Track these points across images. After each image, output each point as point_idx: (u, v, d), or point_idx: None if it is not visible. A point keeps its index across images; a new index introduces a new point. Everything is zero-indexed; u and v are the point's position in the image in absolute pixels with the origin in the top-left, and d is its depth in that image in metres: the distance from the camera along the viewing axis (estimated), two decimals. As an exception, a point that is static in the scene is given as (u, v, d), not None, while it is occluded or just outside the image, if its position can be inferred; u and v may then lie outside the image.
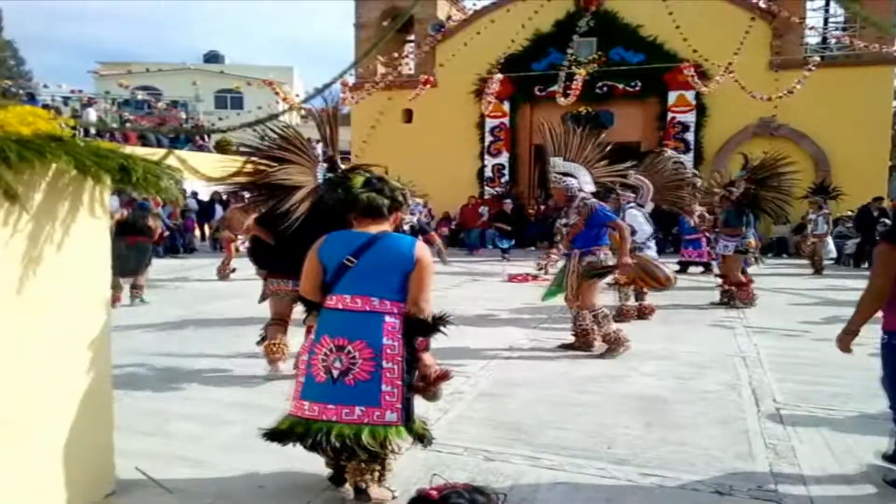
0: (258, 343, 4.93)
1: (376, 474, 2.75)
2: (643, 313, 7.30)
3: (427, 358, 2.78)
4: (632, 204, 7.19)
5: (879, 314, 3.12)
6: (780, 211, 8.42)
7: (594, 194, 5.86)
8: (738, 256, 8.24)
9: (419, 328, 2.70)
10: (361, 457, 2.61)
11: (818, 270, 11.78)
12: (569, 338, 5.87)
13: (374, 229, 2.77)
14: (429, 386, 2.80)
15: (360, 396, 2.60)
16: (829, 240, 12.53)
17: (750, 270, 8.65)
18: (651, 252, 7.06)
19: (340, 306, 2.69)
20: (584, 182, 5.81)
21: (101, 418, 2.80)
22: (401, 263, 2.69)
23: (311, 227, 4.67)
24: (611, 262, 5.74)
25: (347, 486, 2.83)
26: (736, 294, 8.15)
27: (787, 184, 8.29)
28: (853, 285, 9.22)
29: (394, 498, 2.79)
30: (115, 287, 8.13)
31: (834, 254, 12.78)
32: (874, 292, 3.08)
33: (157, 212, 8.43)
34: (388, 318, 2.66)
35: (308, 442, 2.63)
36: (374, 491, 2.76)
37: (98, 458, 2.80)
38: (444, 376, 2.82)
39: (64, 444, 2.60)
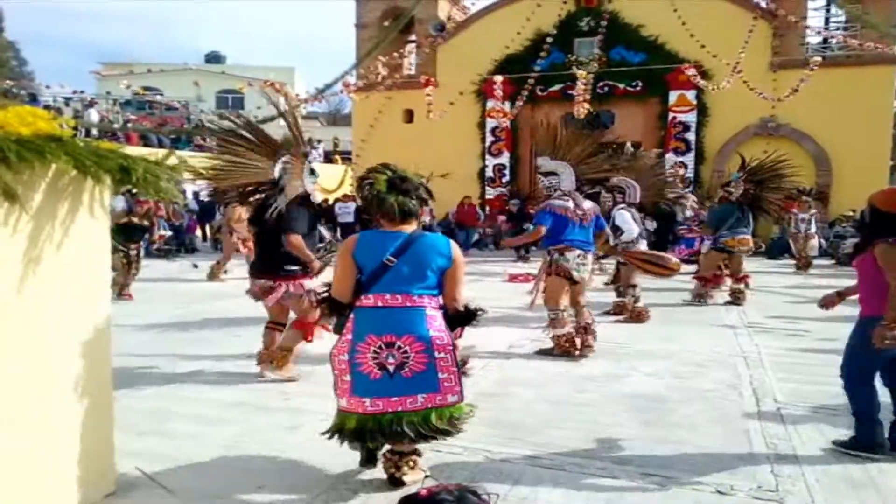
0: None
1: (412, 462, 2.91)
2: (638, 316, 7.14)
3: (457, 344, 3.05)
4: (622, 205, 7.18)
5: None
6: (780, 211, 8.43)
7: (577, 189, 5.76)
8: (714, 254, 8.31)
9: (460, 320, 2.97)
10: (435, 438, 2.86)
11: (805, 266, 12.01)
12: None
13: (408, 228, 2.93)
14: None
15: (420, 385, 2.80)
16: (814, 238, 12.82)
17: (749, 268, 8.62)
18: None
19: (380, 304, 2.83)
20: (564, 180, 5.70)
21: (101, 418, 2.80)
22: (439, 262, 2.89)
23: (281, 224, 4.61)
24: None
25: (380, 467, 2.97)
26: (702, 290, 8.23)
27: (787, 185, 8.30)
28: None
29: (426, 476, 2.94)
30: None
31: (815, 251, 12.98)
32: None
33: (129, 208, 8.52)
34: (428, 312, 2.86)
35: (384, 433, 2.80)
36: (410, 477, 2.89)
37: (98, 458, 2.79)
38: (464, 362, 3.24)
39: (64, 444, 2.60)
